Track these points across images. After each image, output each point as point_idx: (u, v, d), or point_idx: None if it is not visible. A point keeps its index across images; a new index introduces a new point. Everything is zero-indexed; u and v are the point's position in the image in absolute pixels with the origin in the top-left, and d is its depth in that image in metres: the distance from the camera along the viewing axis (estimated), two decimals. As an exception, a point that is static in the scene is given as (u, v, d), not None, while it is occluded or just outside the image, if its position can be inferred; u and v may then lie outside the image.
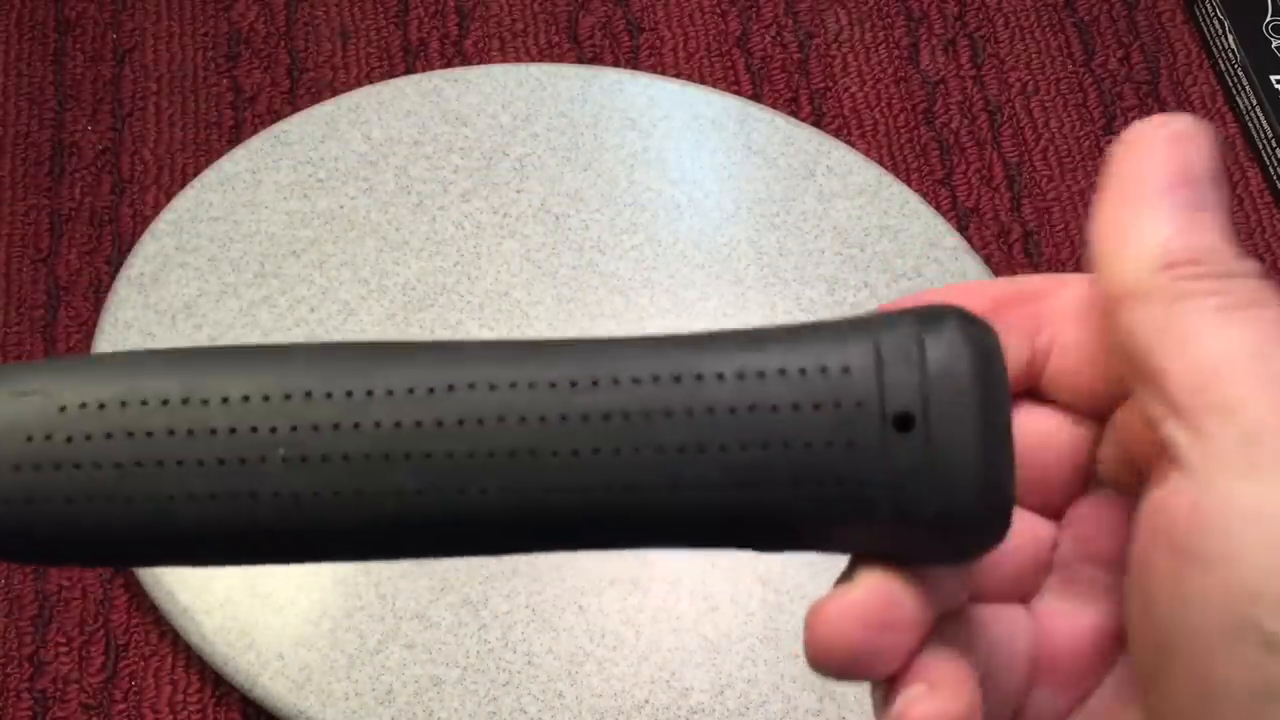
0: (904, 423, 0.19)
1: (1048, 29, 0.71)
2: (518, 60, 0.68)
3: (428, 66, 0.67)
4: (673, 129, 0.63)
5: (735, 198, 0.62)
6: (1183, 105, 0.69)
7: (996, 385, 0.19)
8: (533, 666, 0.52)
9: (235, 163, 0.61)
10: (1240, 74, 0.69)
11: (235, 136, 0.65)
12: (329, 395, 0.19)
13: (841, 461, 0.19)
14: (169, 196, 0.63)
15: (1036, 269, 0.64)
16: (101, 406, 0.19)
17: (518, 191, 0.61)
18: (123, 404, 0.19)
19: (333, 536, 0.19)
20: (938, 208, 0.64)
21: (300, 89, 0.66)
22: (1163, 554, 0.19)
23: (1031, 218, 0.66)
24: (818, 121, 0.67)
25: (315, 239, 0.60)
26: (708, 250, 0.60)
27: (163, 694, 0.53)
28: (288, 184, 0.61)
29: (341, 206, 0.60)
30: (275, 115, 0.65)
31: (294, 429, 0.19)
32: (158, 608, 0.52)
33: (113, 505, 0.19)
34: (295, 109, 0.65)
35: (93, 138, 0.65)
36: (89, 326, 0.60)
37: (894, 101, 0.68)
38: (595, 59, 0.68)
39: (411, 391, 0.19)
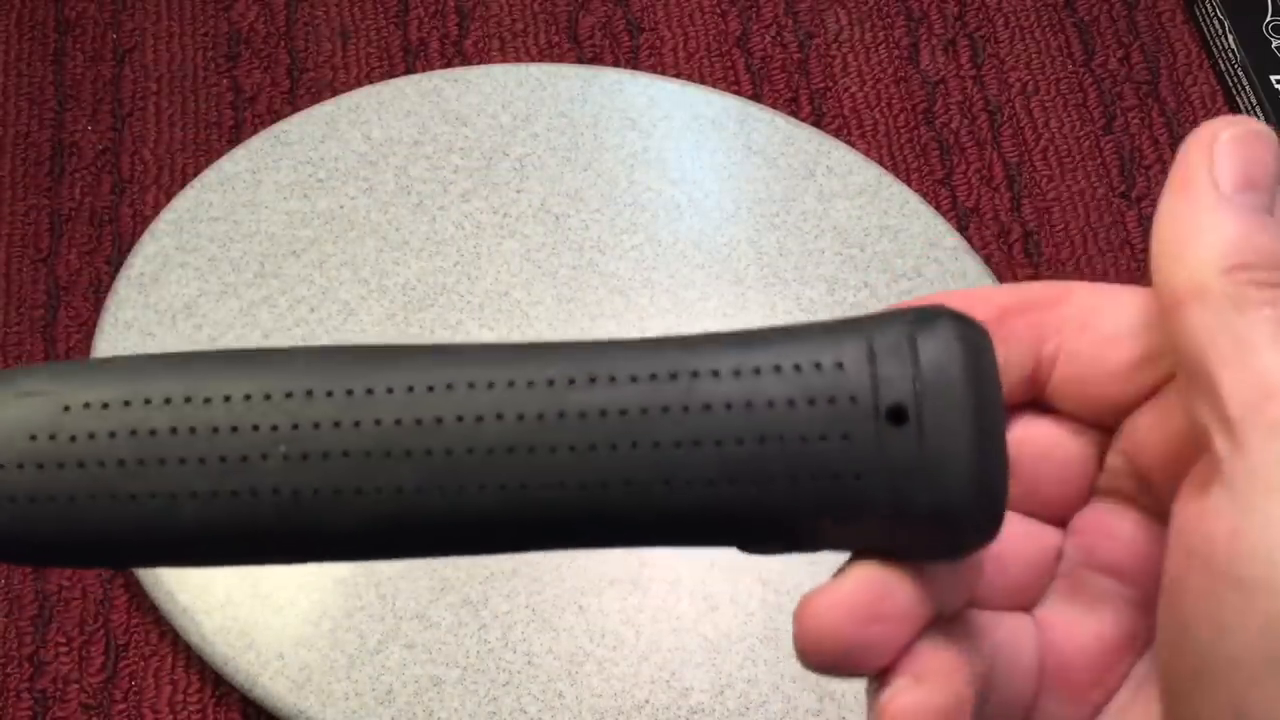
0: (897, 416, 0.19)
1: (1048, 29, 0.71)
2: (518, 60, 0.68)
3: (428, 66, 0.67)
4: (673, 129, 0.63)
5: (735, 198, 0.62)
6: (1183, 105, 0.69)
7: (988, 381, 0.20)
8: (533, 666, 0.52)
9: (235, 163, 0.61)
10: (1240, 74, 0.69)
11: (235, 136, 0.65)
12: (329, 394, 0.19)
13: (837, 455, 0.19)
14: (169, 196, 0.63)
15: (1036, 269, 0.64)
16: (105, 406, 0.19)
17: (518, 191, 0.61)
18: (126, 403, 0.19)
19: (333, 534, 0.19)
20: (938, 208, 0.64)
21: (300, 89, 0.66)
22: (1200, 577, 0.19)
23: (1031, 218, 0.66)
24: (818, 121, 0.67)
25: (315, 239, 0.60)
26: (708, 250, 0.60)
27: (163, 694, 0.53)
28: (288, 184, 0.61)
29: (341, 206, 0.60)
30: (275, 115, 0.65)
31: (295, 427, 0.19)
32: (158, 608, 0.52)
33: (115, 503, 0.19)
34: (295, 109, 0.65)
35: (93, 138, 0.65)
36: (89, 326, 0.60)
37: (894, 101, 0.68)
38: (595, 59, 0.68)
39: (411, 390, 0.19)
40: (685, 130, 0.63)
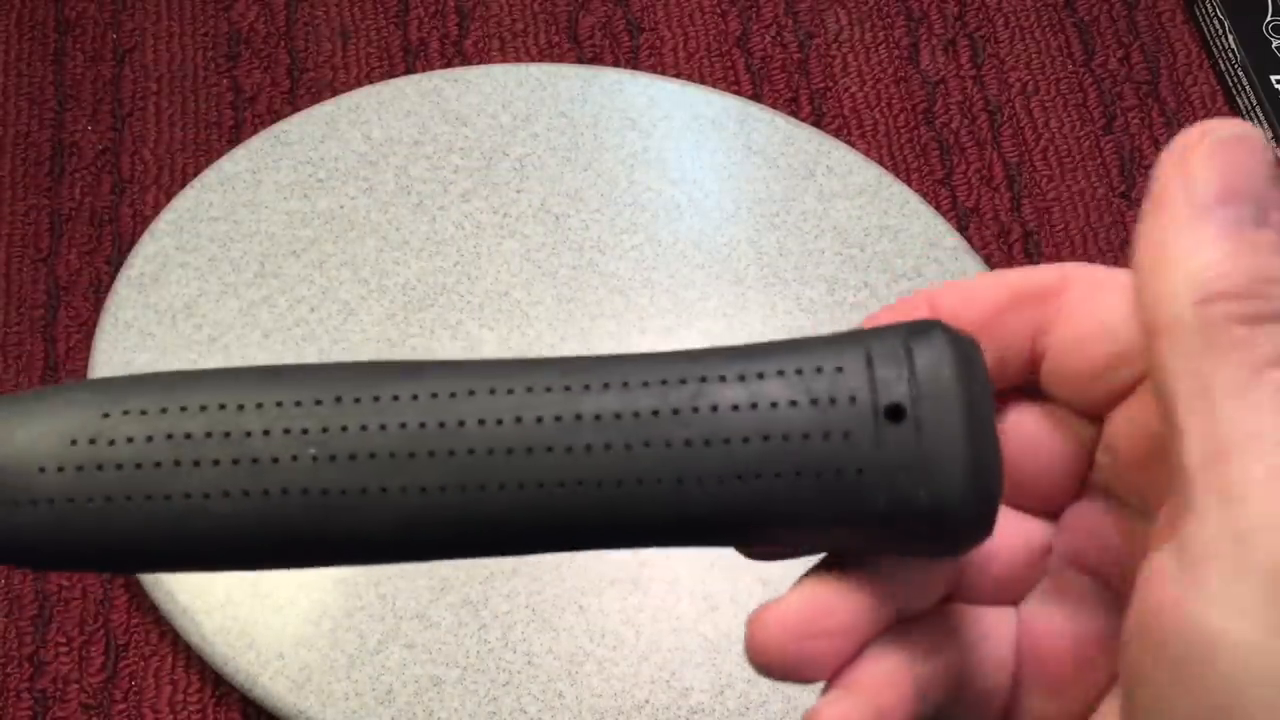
0: (895, 414, 0.20)
1: (1048, 29, 0.71)
2: (518, 60, 0.68)
3: (428, 66, 0.67)
4: (673, 129, 0.63)
5: (735, 198, 0.62)
6: (1183, 105, 0.69)
7: (980, 386, 0.21)
8: (533, 666, 0.52)
9: (235, 163, 0.61)
10: (1240, 74, 0.69)
11: (235, 136, 0.65)
12: (357, 400, 0.20)
13: (838, 451, 0.20)
14: (169, 196, 0.63)
15: (1036, 269, 0.64)
16: (143, 413, 0.20)
17: (518, 191, 0.61)
18: (162, 410, 0.20)
19: (360, 533, 0.20)
20: (938, 208, 0.64)
21: (300, 89, 0.66)
22: (1149, 658, 0.18)
23: (1031, 218, 0.66)
24: (818, 121, 0.67)
25: (315, 239, 0.60)
26: (708, 250, 0.60)
27: (163, 694, 0.53)
28: (288, 184, 0.61)
29: (341, 206, 0.60)
30: (275, 115, 0.65)
31: (324, 430, 0.20)
32: (158, 608, 0.52)
33: (151, 503, 0.20)
34: (295, 109, 0.65)
35: (93, 138, 0.65)
36: (89, 326, 0.60)
37: (894, 101, 0.68)
38: (595, 59, 0.68)
39: (434, 396, 0.20)
40: (685, 130, 0.63)
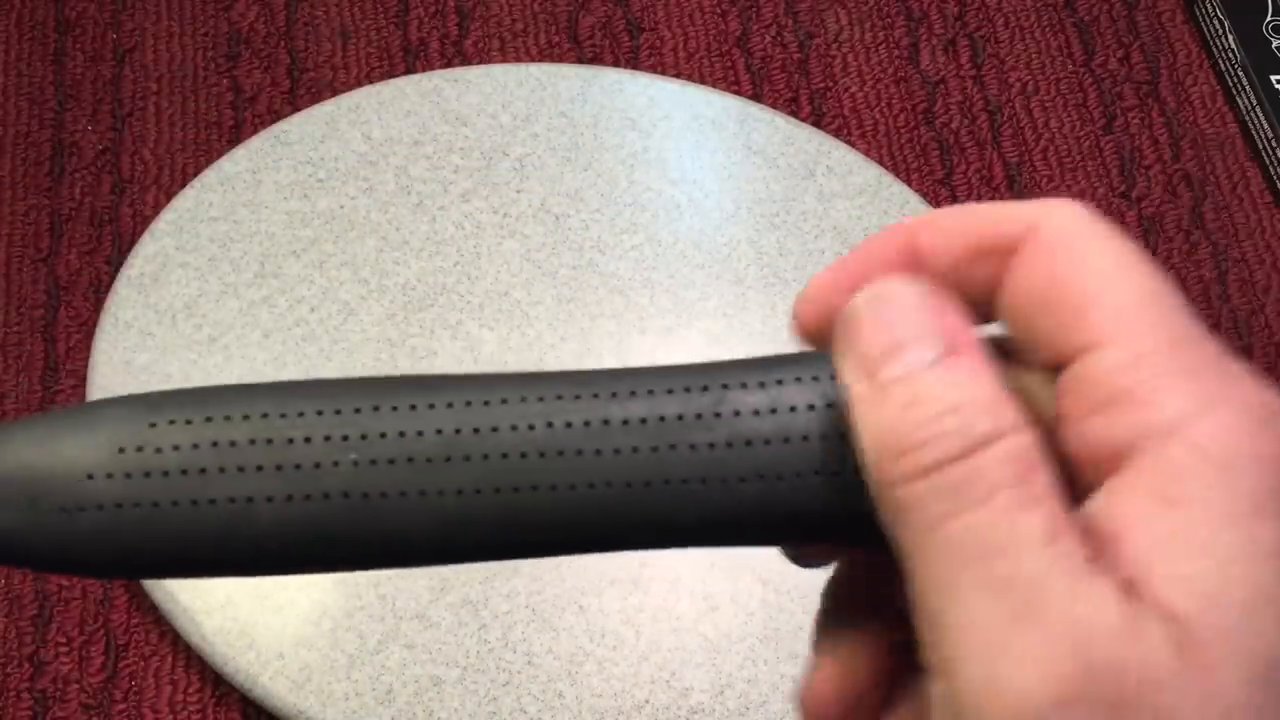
0: None
1: (1048, 29, 0.71)
2: (518, 60, 0.68)
3: (428, 66, 0.67)
4: (673, 129, 0.63)
5: (735, 198, 0.62)
6: (1182, 105, 0.69)
7: None
8: (533, 666, 0.52)
9: (235, 163, 0.61)
10: (1240, 74, 0.69)
11: (235, 136, 0.65)
12: (394, 409, 0.21)
13: (852, 452, 0.20)
14: (169, 196, 0.63)
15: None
16: (188, 422, 0.21)
17: (518, 191, 0.61)
18: (207, 419, 0.21)
19: (400, 535, 0.21)
20: (938, 208, 0.64)
21: (300, 89, 0.66)
22: None
23: (1031, 218, 0.66)
24: (818, 121, 0.67)
25: (315, 239, 0.60)
26: (708, 250, 0.60)
27: (163, 694, 0.53)
28: (288, 184, 0.61)
29: (341, 206, 0.60)
30: (275, 115, 0.65)
31: (363, 436, 0.21)
32: (158, 608, 0.52)
33: (196, 508, 0.20)
34: (295, 109, 0.65)
35: (93, 138, 0.65)
36: (89, 326, 0.60)
37: (894, 101, 0.68)
38: (595, 59, 0.68)
39: (468, 404, 0.21)
40: (685, 130, 0.63)
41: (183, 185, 0.63)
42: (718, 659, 0.52)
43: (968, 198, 0.66)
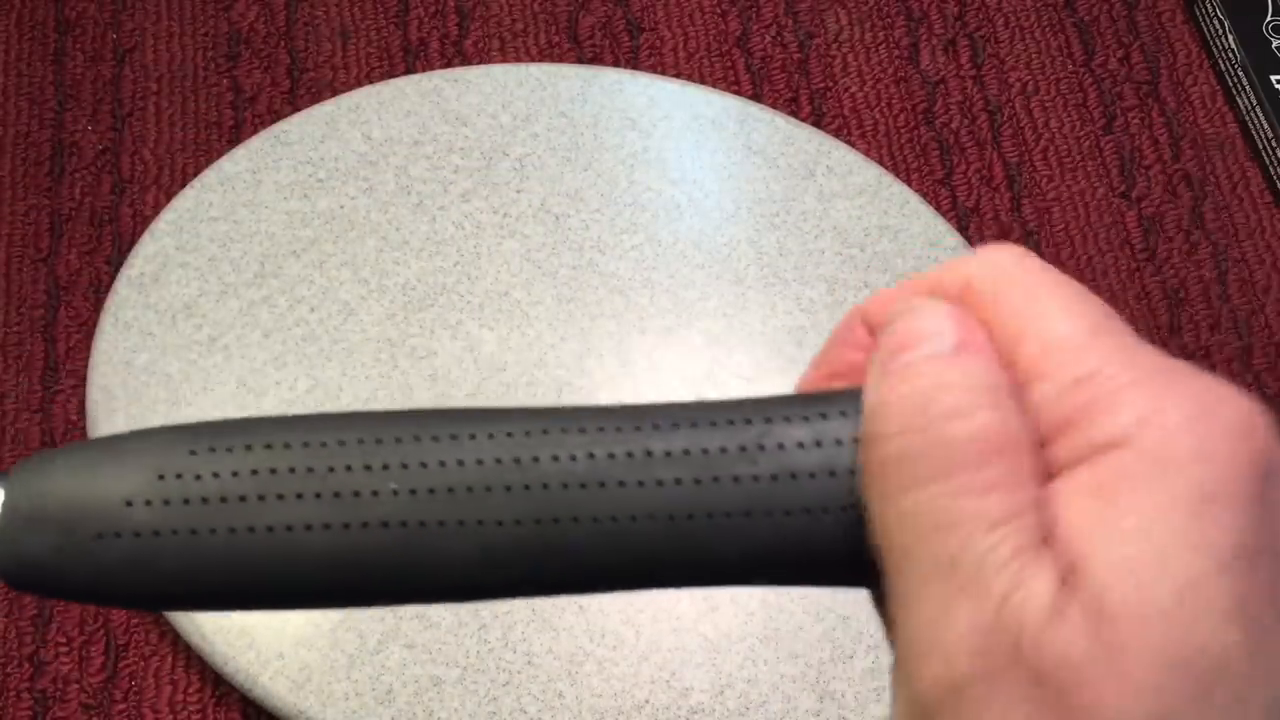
0: None
1: (1048, 29, 0.71)
2: (518, 60, 0.68)
3: (428, 66, 0.67)
4: (673, 129, 0.63)
5: (735, 198, 0.62)
6: (1182, 105, 0.69)
7: None
8: (533, 666, 0.52)
9: (235, 163, 0.61)
10: (1240, 74, 0.69)
11: (235, 136, 0.65)
12: (435, 439, 0.21)
13: None
14: (169, 196, 0.63)
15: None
16: (229, 450, 0.21)
17: (518, 191, 0.61)
18: (248, 447, 0.21)
19: (439, 565, 0.21)
20: (938, 208, 0.64)
21: (300, 89, 0.66)
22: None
23: (1031, 218, 0.66)
24: (818, 121, 0.67)
25: (315, 239, 0.60)
26: (708, 250, 0.60)
27: (163, 694, 0.53)
28: (288, 184, 0.61)
29: (341, 206, 0.60)
30: (275, 115, 0.65)
31: (404, 466, 0.20)
32: (158, 608, 0.52)
33: (236, 536, 0.20)
34: (295, 109, 0.65)
35: (93, 138, 0.65)
36: (89, 326, 0.60)
37: (894, 101, 0.68)
38: (595, 59, 0.68)
39: (510, 435, 0.21)
40: (685, 130, 0.63)
41: (183, 185, 0.63)
42: (718, 659, 0.52)
43: (968, 197, 0.66)
